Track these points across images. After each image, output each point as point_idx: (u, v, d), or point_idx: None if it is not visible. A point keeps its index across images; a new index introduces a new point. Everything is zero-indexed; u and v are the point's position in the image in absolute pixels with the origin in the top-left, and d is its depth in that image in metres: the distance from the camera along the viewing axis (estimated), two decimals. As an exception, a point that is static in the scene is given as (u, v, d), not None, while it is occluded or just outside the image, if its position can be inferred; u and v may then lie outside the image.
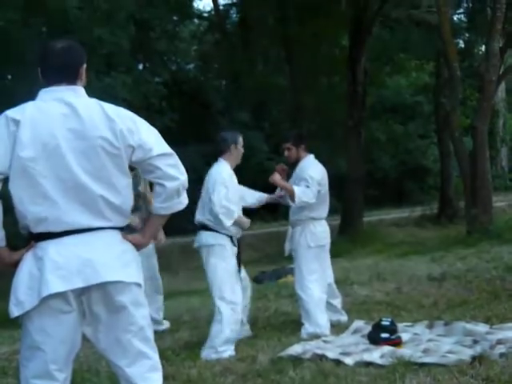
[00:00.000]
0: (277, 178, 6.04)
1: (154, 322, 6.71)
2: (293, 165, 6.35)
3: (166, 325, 6.94)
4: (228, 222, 5.59)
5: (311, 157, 6.30)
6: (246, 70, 22.27)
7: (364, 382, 4.42)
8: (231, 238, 5.75)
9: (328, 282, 6.32)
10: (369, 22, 16.89)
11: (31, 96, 2.90)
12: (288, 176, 6.34)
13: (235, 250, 5.79)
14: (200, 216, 5.79)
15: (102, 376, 5.05)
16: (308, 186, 5.96)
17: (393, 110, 27.94)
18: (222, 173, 5.71)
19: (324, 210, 6.27)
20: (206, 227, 5.75)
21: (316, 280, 6.08)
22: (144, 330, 2.87)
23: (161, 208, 2.96)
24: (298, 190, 5.93)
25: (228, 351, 5.56)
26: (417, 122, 28.46)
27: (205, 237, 5.77)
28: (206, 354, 5.55)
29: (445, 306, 6.66)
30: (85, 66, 2.98)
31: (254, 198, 6.31)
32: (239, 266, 5.91)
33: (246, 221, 5.76)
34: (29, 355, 2.78)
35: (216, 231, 5.70)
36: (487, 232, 12.03)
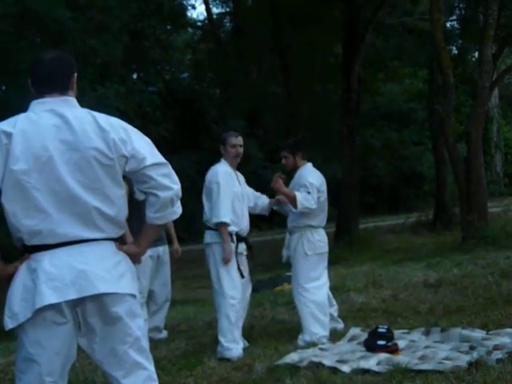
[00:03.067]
0: (278, 184, 6.05)
1: (156, 329, 6.76)
2: (290, 173, 6.37)
3: (164, 334, 6.95)
4: (220, 219, 5.72)
5: (309, 165, 6.31)
6: (241, 79, 22.31)
7: (361, 390, 4.41)
8: (231, 235, 5.83)
9: None
10: (362, 30, 16.94)
11: (25, 107, 2.89)
12: (286, 185, 6.34)
13: (233, 246, 5.84)
14: (204, 216, 5.98)
15: (99, 387, 5.03)
16: (309, 192, 5.97)
17: (387, 117, 28.03)
18: (216, 172, 5.90)
19: (323, 219, 6.27)
20: (207, 226, 5.92)
21: (313, 288, 6.07)
22: (140, 341, 2.86)
23: (154, 218, 2.95)
24: (299, 196, 5.94)
25: (234, 350, 5.66)
26: (411, 129, 28.58)
27: (206, 235, 5.93)
28: (217, 352, 5.71)
29: (441, 312, 6.65)
30: (75, 75, 2.97)
31: (258, 200, 6.34)
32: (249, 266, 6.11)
33: (228, 247, 5.77)
34: (24, 367, 2.76)
35: (215, 229, 5.82)
36: (483, 238, 12.02)
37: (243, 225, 6.00)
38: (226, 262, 5.76)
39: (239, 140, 6.07)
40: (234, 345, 5.70)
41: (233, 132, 6.22)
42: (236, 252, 5.89)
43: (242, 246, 6.02)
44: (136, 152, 2.85)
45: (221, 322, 5.81)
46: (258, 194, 6.40)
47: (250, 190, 6.32)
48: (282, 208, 6.35)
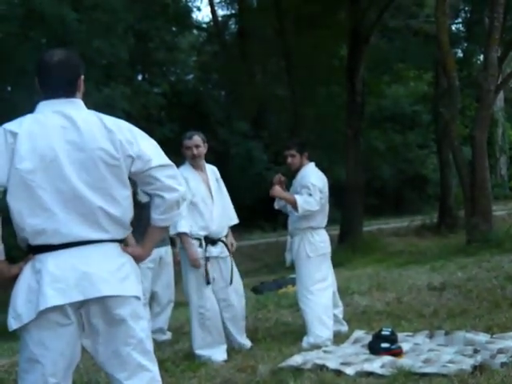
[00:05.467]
0: (277, 190, 6.06)
1: (160, 331, 6.76)
2: (292, 173, 6.34)
3: (168, 335, 6.95)
4: (176, 230, 5.62)
5: (312, 164, 6.29)
6: (245, 81, 22.33)
7: (365, 393, 4.41)
8: (200, 240, 5.74)
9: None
10: (367, 32, 16.94)
11: (31, 107, 2.89)
12: (287, 185, 6.34)
13: (201, 251, 5.71)
14: None
15: (102, 388, 5.03)
16: (310, 194, 5.95)
17: (392, 120, 27.95)
18: None
19: (323, 219, 6.25)
20: None
21: (318, 290, 6.05)
22: (143, 343, 2.85)
23: (160, 220, 2.95)
24: (300, 200, 5.92)
25: (214, 355, 5.64)
26: (416, 132, 28.50)
27: None
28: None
29: (445, 315, 6.64)
30: (83, 77, 2.97)
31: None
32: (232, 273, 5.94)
33: (193, 252, 5.65)
34: (27, 368, 2.76)
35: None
36: (487, 241, 12.00)
37: (214, 228, 5.80)
38: (195, 267, 5.66)
39: (194, 141, 5.79)
40: (206, 351, 5.68)
41: (189, 132, 5.92)
42: (206, 257, 5.73)
43: (217, 250, 5.83)
44: (142, 153, 2.85)
45: (191, 329, 5.80)
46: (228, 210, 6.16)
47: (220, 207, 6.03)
48: (285, 206, 6.33)
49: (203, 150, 5.87)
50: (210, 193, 5.87)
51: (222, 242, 5.91)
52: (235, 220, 6.20)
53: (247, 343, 6.05)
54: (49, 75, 2.88)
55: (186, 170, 5.79)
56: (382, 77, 22.08)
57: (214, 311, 5.77)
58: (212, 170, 6.04)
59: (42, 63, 2.91)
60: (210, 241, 5.79)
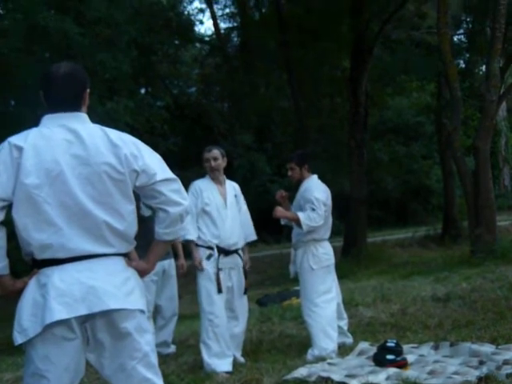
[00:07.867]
0: (279, 212, 6.08)
1: (164, 344, 6.75)
2: (295, 185, 6.37)
3: (172, 348, 6.94)
4: (184, 237, 5.78)
5: (315, 177, 6.31)
6: (248, 93, 22.37)
7: (370, 405, 4.39)
8: (212, 248, 5.85)
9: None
10: (369, 44, 16.97)
11: (34, 121, 2.90)
12: (291, 198, 6.35)
13: (213, 258, 5.84)
14: None
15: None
16: (314, 209, 5.96)
17: (395, 131, 28.01)
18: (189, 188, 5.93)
19: (326, 231, 6.26)
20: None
21: (323, 302, 6.04)
22: (148, 356, 2.85)
23: (164, 234, 2.96)
24: (303, 217, 5.93)
25: (212, 365, 5.67)
26: (419, 143, 28.53)
27: None
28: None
29: (450, 326, 6.62)
30: (88, 90, 2.98)
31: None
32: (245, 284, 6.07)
33: (196, 256, 5.84)
34: (32, 383, 2.74)
35: (197, 244, 5.89)
36: (491, 252, 11.96)
37: (226, 236, 5.91)
38: (200, 269, 5.83)
39: (212, 154, 6.06)
40: (214, 360, 5.71)
41: (209, 146, 6.24)
42: (217, 266, 5.84)
43: (229, 260, 5.93)
44: (147, 167, 2.86)
45: (201, 336, 5.85)
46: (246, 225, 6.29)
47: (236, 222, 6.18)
48: (290, 221, 6.34)
49: (221, 163, 6.09)
50: (226, 205, 6.01)
51: (238, 253, 6.01)
52: (253, 237, 6.35)
53: (242, 360, 6.06)
54: (55, 88, 2.89)
55: (204, 181, 6.09)
56: (385, 88, 22.08)
57: (223, 319, 5.83)
58: (232, 186, 6.24)
59: (49, 76, 2.91)
60: (223, 251, 5.89)
